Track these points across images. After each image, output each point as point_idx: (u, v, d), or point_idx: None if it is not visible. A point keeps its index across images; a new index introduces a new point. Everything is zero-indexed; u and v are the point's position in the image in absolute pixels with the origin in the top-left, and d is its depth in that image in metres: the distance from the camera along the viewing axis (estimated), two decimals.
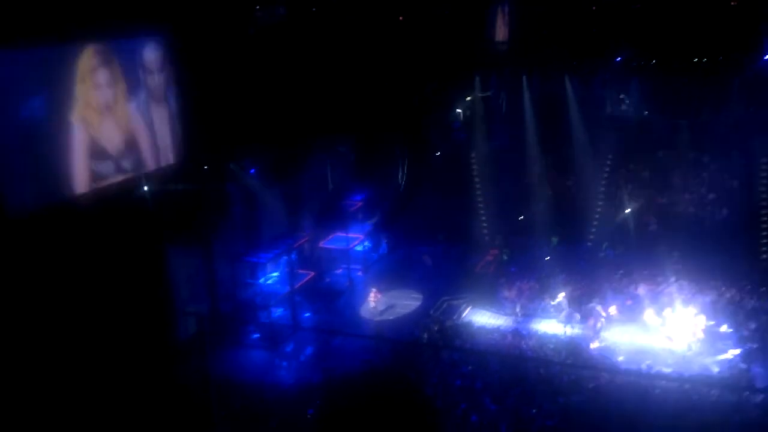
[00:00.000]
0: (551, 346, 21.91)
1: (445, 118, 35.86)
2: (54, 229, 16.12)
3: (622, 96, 34.79)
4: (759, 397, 18.13)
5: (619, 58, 31.88)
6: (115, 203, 17.74)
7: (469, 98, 35.76)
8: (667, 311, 22.67)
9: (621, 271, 26.60)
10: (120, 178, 18.46)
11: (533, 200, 32.50)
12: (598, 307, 23.58)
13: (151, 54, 19.36)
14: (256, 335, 24.37)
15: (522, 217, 32.30)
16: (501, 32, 34.28)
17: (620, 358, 21.56)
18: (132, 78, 18.78)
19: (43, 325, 15.75)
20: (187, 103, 20.39)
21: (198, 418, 14.53)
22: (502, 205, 33.11)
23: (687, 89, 32.08)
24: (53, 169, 16.59)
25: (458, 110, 36.23)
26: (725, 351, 21.62)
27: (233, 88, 21.73)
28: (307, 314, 26.06)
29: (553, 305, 24.75)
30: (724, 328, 22.78)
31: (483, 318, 25.16)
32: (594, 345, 22.31)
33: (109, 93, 18.02)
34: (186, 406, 15.56)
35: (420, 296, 26.61)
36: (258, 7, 25.99)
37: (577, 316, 23.93)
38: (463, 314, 25.39)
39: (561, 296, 24.84)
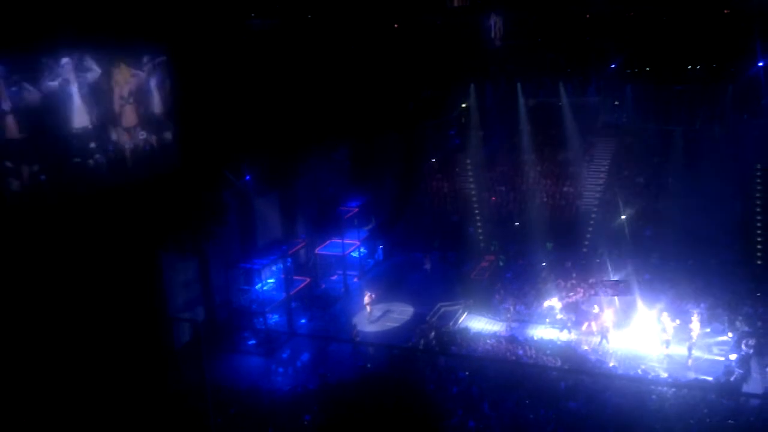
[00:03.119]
0: (548, 352, 21.92)
1: (440, 125, 35.97)
2: (51, 234, 16.10)
3: (616, 103, 34.97)
4: (755, 402, 18.17)
5: (613, 66, 32.05)
6: (111, 210, 17.72)
7: (464, 105, 35.91)
8: (663, 317, 22.69)
9: (616, 277, 26.65)
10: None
11: (529, 206, 32.58)
12: (595, 313, 23.66)
13: (147, 63, 19.43)
14: (252, 341, 24.32)
15: (517, 224, 32.36)
16: (495, 40, 34.45)
17: (614, 364, 21.59)
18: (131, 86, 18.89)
19: (39, 330, 15.70)
20: (183, 110, 20.41)
21: (194, 424, 14.52)
22: (497, 211, 33.21)
23: (681, 96, 32.27)
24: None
25: (453, 116, 36.37)
26: (721, 356, 21.69)
27: (229, 96, 21.77)
28: (303, 320, 26.03)
29: (549, 311, 24.80)
30: (719, 333, 22.90)
31: (479, 324, 25.18)
32: (585, 347, 22.37)
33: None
34: (182, 412, 15.54)
35: (412, 309, 26.58)
36: (253, 15, 26.10)
37: (572, 320, 24.03)
38: (460, 320, 25.41)
39: (556, 302, 24.92)
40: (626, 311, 24.32)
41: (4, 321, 15.14)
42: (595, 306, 24.09)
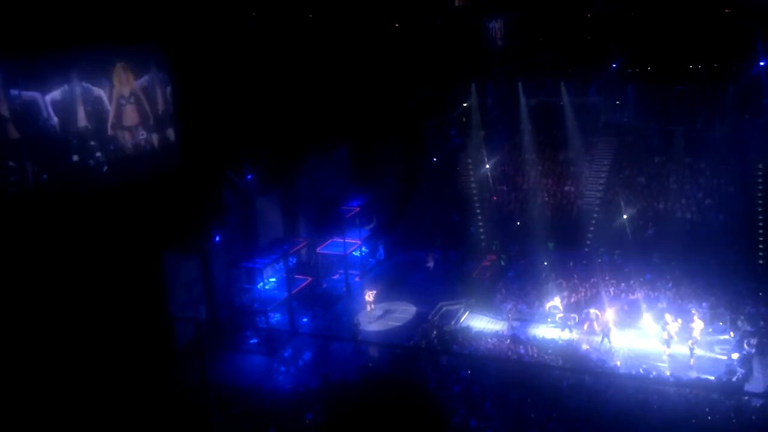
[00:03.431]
0: (549, 351, 21.92)
1: (441, 124, 35.97)
2: (53, 234, 16.12)
3: (617, 103, 34.95)
4: (757, 402, 18.15)
5: (614, 65, 32.06)
6: (113, 210, 17.75)
7: (465, 104, 35.92)
8: (666, 317, 22.67)
9: (618, 277, 26.66)
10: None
11: (530, 206, 32.58)
12: (597, 312, 23.65)
13: (149, 64, 19.48)
14: (254, 340, 24.34)
15: (519, 223, 32.36)
16: (497, 40, 34.49)
17: (618, 363, 21.59)
18: (132, 86, 18.94)
19: (42, 329, 15.72)
20: (184, 110, 20.44)
21: (196, 423, 14.50)
22: (499, 210, 33.20)
23: (682, 96, 32.26)
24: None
25: (454, 116, 36.37)
26: (723, 355, 21.68)
27: (230, 96, 21.79)
28: (305, 319, 26.05)
29: (551, 310, 24.80)
30: (722, 335, 22.89)
31: (481, 323, 25.18)
32: (586, 347, 22.37)
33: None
34: (184, 411, 15.54)
35: (414, 308, 26.59)
36: (253, 15, 26.10)
37: (574, 319, 24.02)
38: (461, 319, 25.41)
39: (558, 301, 24.91)
40: (628, 311, 24.32)
41: (6, 319, 15.15)
42: (596, 306, 24.09)
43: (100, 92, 18.09)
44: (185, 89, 20.37)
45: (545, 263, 28.26)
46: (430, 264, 30.28)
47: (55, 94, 16.89)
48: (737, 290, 25.26)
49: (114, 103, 18.56)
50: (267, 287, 25.37)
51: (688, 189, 31.25)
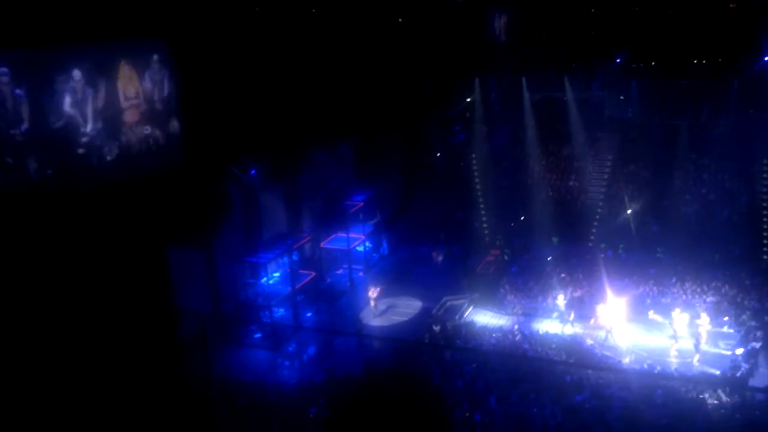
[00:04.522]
0: (553, 346, 21.94)
1: (445, 120, 35.94)
2: (58, 229, 16.18)
3: (621, 98, 34.85)
4: (761, 397, 18.16)
5: (618, 60, 31.96)
6: (117, 205, 17.78)
7: (469, 99, 35.87)
8: (675, 312, 22.65)
9: (622, 272, 26.65)
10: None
11: (534, 201, 32.55)
12: (601, 307, 23.64)
13: (152, 59, 19.47)
14: (258, 335, 24.39)
15: (523, 218, 32.35)
16: (500, 35, 34.40)
17: (626, 360, 21.57)
18: (135, 82, 18.93)
19: (46, 323, 15.79)
20: (188, 106, 20.45)
21: (201, 418, 14.58)
22: (502, 205, 33.18)
23: (686, 91, 32.14)
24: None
25: (458, 111, 36.33)
26: (728, 351, 21.67)
27: (234, 90, 21.80)
28: (309, 314, 26.10)
29: (554, 306, 24.81)
30: (726, 328, 22.88)
31: (485, 318, 25.20)
32: (590, 342, 22.37)
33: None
34: (189, 406, 15.61)
35: (419, 303, 26.62)
36: (257, 9, 26.11)
37: (573, 315, 24.02)
38: (465, 314, 25.44)
39: (561, 297, 24.91)
40: (632, 306, 24.31)
41: (12, 312, 15.23)
42: (600, 301, 24.09)
43: (103, 89, 18.09)
44: (189, 84, 20.35)
45: (549, 258, 28.27)
46: (439, 258, 30.26)
47: (59, 90, 16.90)
48: (742, 285, 25.23)
49: (118, 99, 18.57)
50: (271, 282, 25.42)
51: (692, 184, 31.19)
